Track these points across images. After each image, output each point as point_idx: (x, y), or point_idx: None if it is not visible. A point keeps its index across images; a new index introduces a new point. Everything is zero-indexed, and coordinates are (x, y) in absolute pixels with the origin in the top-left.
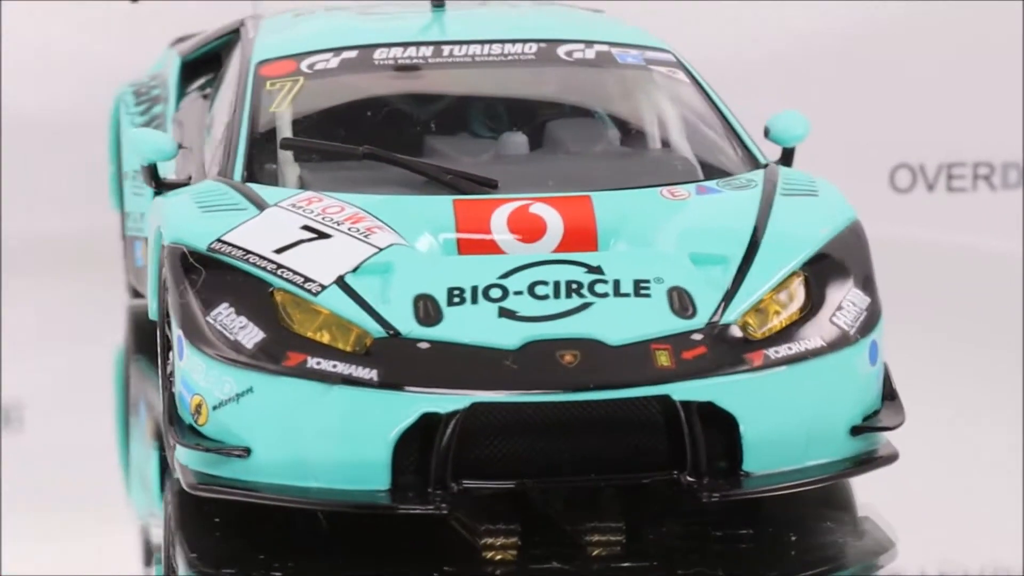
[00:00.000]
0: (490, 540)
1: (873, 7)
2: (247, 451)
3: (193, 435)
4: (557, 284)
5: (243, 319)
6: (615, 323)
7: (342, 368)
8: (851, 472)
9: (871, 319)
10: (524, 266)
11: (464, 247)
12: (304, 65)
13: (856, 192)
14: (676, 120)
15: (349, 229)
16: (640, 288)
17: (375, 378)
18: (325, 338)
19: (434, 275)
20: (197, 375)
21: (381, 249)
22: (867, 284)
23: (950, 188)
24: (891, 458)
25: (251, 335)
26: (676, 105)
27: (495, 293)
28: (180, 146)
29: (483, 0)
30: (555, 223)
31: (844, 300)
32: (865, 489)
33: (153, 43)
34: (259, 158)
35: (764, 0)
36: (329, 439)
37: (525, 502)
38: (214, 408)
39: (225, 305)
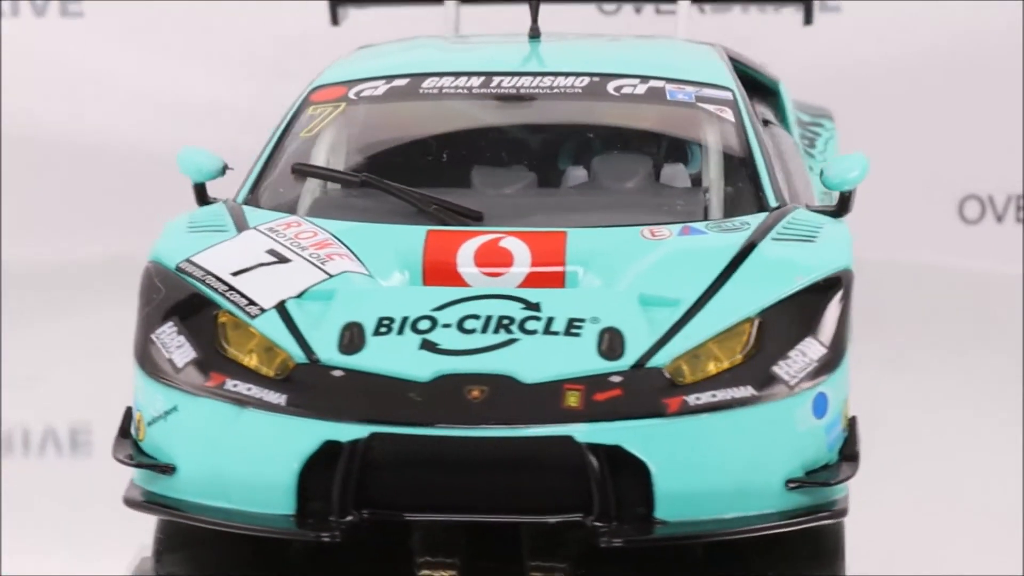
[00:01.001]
0: (427, 572)
1: (944, 37)
2: (172, 468)
3: (136, 450)
4: (488, 319)
5: (181, 339)
6: (534, 361)
7: (255, 392)
8: (780, 526)
9: (822, 371)
10: (462, 299)
11: (429, 278)
12: (352, 92)
13: (924, 223)
14: (700, 159)
15: (310, 255)
16: (572, 327)
17: (283, 403)
18: (253, 361)
19: (370, 304)
20: (139, 391)
21: (331, 276)
22: (830, 336)
23: (1019, 219)
24: (837, 514)
25: (184, 354)
26: (707, 144)
27: (423, 325)
28: (226, 167)
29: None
30: (523, 257)
31: (794, 350)
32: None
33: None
34: (270, 181)
35: (834, 26)
36: (241, 461)
37: (466, 534)
38: (149, 424)
39: (170, 324)
